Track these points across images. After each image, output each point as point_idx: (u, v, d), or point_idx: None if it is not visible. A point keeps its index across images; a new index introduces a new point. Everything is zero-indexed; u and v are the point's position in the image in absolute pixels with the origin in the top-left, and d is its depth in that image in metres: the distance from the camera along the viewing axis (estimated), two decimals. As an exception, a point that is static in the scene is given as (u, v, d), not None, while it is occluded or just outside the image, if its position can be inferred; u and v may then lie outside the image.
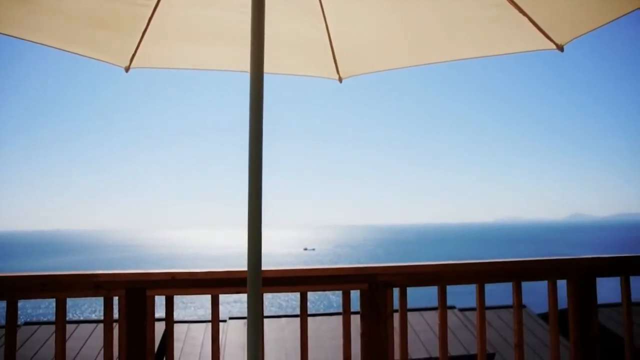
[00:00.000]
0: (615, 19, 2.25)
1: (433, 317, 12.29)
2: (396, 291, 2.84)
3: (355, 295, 2.84)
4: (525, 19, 2.40)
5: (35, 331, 11.25)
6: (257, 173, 1.86)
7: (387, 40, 3.02)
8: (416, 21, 2.78)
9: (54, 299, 2.55)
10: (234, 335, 12.26)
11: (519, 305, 2.97)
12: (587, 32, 2.39)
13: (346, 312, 2.81)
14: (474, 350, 10.94)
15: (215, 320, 2.68)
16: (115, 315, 2.61)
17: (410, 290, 2.89)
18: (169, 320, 2.68)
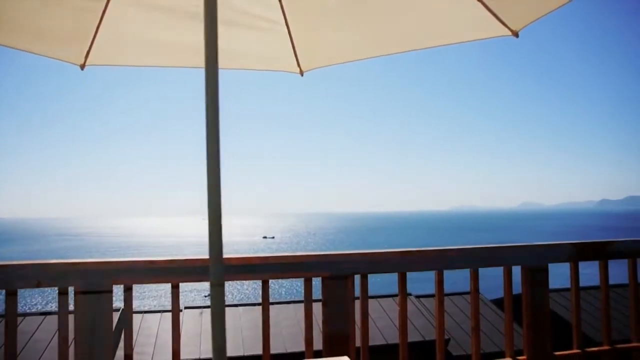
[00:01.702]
0: (566, 3, 2.29)
1: (389, 304, 12.53)
2: (356, 278, 2.87)
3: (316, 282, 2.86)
4: (480, 5, 2.42)
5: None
6: (214, 161, 1.78)
7: (345, 32, 3.01)
8: (373, 12, 2.79)
9: (3, 291, 2.42)
10: (190, 324, 12.14)
11: (476, 291, 3.07)
12: (541, 17, 2.40)
13: (308, 300, 2.81)
14: (430, 336, 11.23)
15: (175, 309, 2.63)
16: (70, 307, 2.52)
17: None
18: (128, 309, 2.61)
